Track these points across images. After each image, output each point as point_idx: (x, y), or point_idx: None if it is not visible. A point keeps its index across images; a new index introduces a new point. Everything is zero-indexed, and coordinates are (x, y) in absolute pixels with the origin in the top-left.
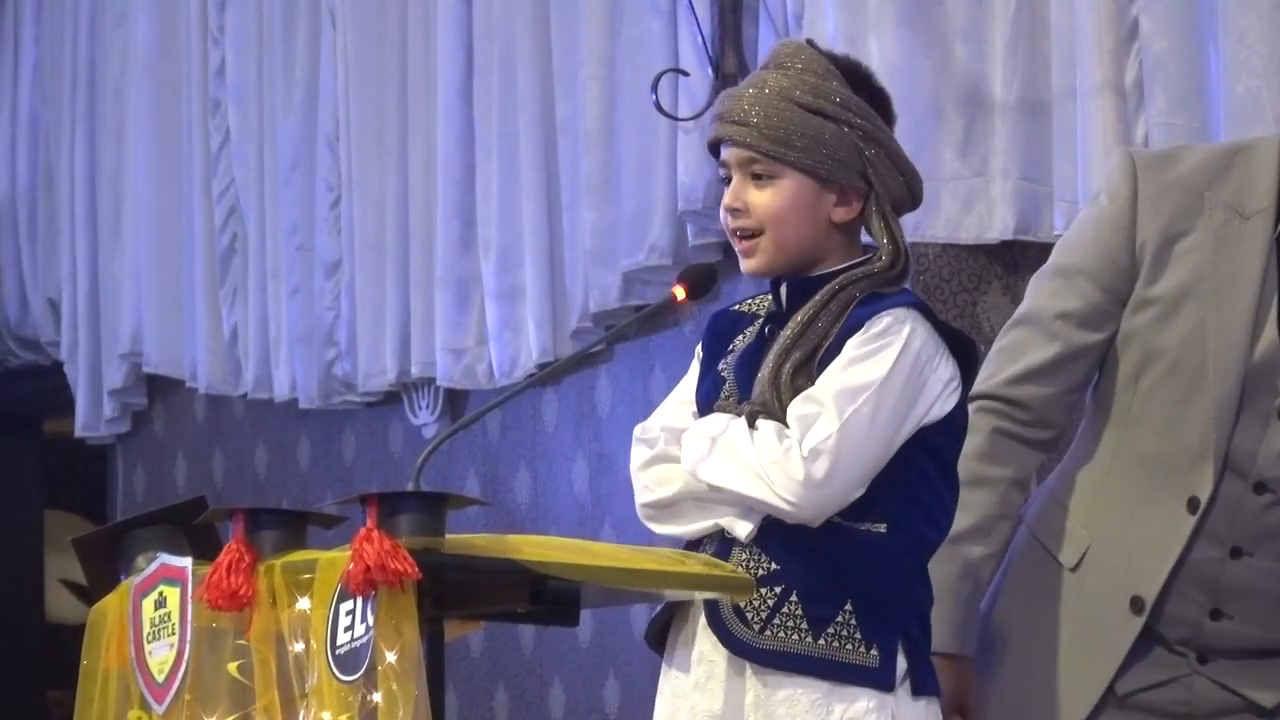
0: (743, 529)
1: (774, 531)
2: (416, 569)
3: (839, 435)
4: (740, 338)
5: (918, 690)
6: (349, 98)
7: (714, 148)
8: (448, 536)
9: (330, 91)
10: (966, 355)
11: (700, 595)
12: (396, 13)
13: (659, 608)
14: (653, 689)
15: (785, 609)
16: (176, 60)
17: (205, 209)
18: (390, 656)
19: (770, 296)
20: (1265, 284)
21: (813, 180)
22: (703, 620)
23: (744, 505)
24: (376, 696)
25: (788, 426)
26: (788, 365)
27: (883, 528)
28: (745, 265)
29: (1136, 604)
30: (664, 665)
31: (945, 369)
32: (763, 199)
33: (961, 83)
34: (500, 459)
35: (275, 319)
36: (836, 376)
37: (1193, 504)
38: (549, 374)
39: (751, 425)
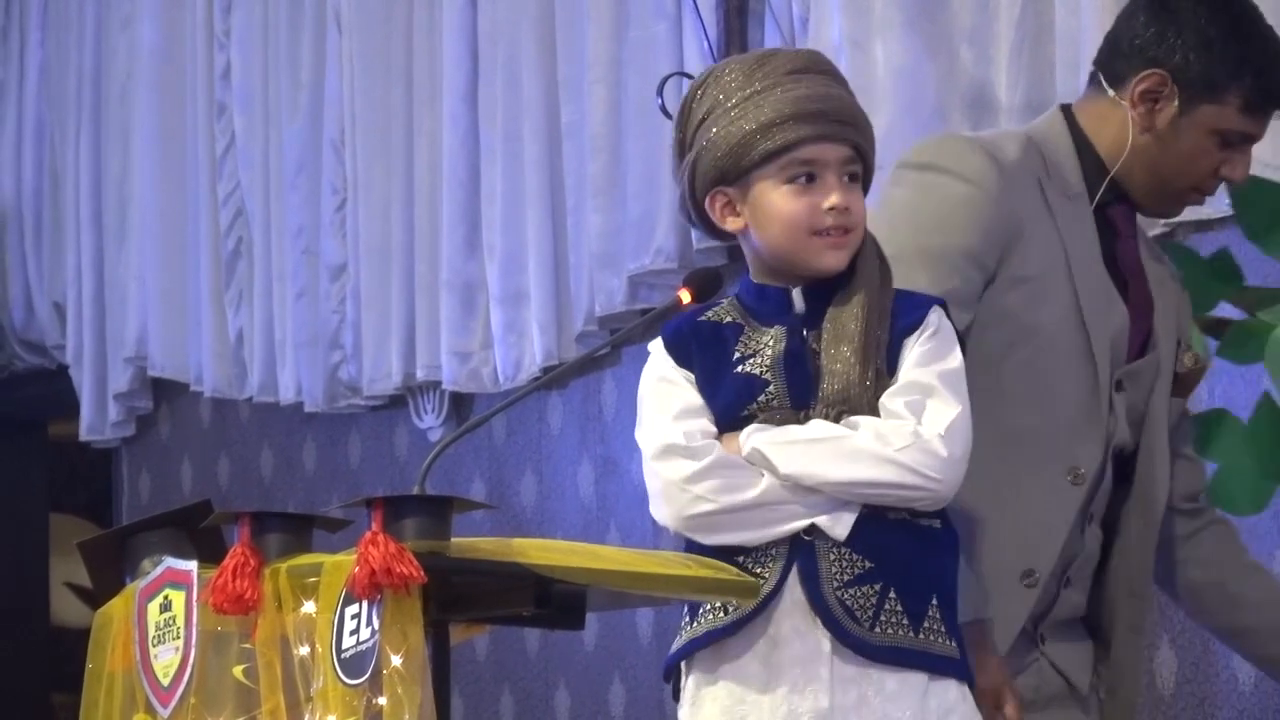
0: (843, 527)
1: (859, 531)
2: (422, 572)
3: (962, 415)
4: (741, 345)
5: (974, 682)
6: (354, 101)
7: (797, 140)
8: (453, 540)
9: (335, 95)
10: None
11: (707, 599)
12: (402, 16)
13: (685, 645)
14: (658, 692)
15: (887, 605)
16: (182, 64)
17: (210, 212)
18: (396, 660)
19: (725, 305)
20: (1102, 261)
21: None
22: (788, 626)
23: (863, 498)
24: (382, 700)
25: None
26: (871, 365)
27: (938, 522)
28: (840, 259)
29: (1028, 577)
30: (700, 687)
31: None
32: (859, 201)
33: (967, 86)
34: (506, 462)
35: (280, 322)
36: (927, 368)
37: (1075, 474)
38: (554, 377)
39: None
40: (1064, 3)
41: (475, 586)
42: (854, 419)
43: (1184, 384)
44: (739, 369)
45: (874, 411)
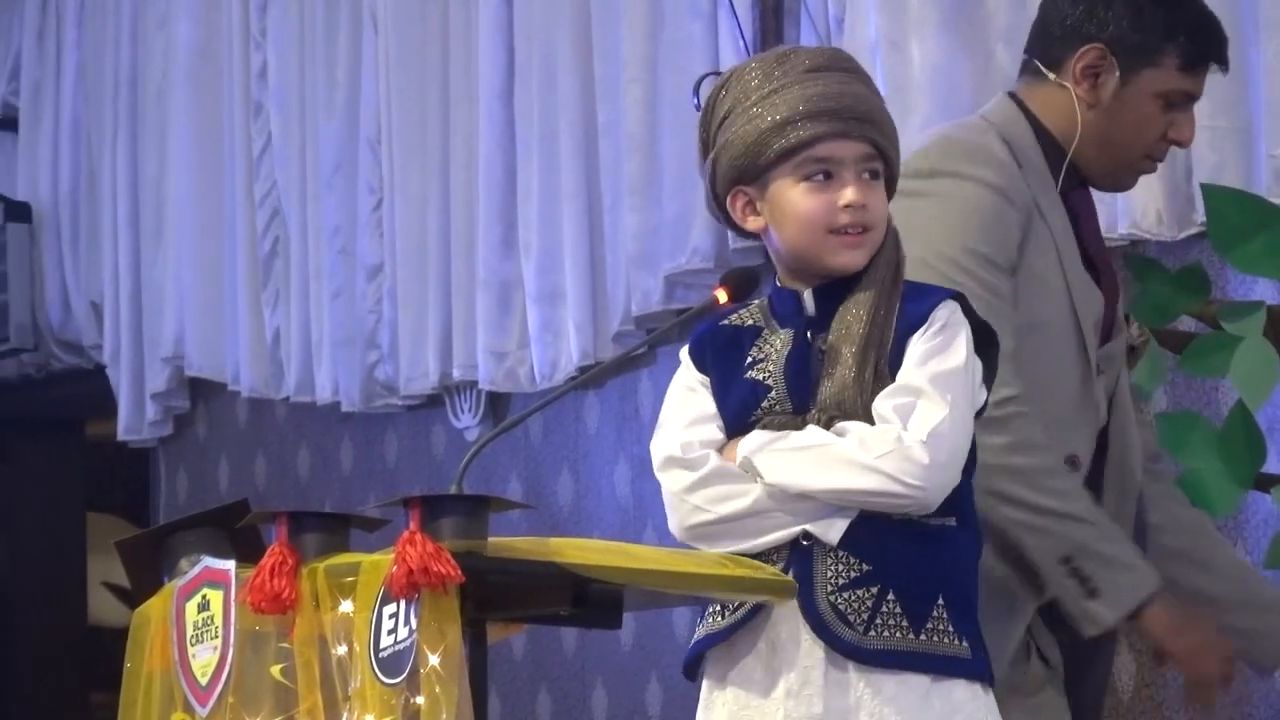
0: (835, 532)
1: (857, 534)
2: (459, 572)
3: (951, 418)
4: (755, 349)
5: (991, 679)
6: (390, 101)
7: (812, 138)
8: (490, 539)
9: (372, 94)
10: (988, 344)
11: (745, 599)
12: (438, 16)
13: (691, 648)
14: (695, 691)
15: (885, 608)
16: (218, 63)
17: (247, 212)
18: (433, 659)
19: (753, 308)
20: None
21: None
22: (785, 631)
23: (848, 506)
24: (419, 699)
25: (870, 424)
26: (869, 366)
27: (953, 521)
28: (856, 258)
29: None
30: (712, 690)
31: (976, 359)
32: (878, 199)
33: (1003, 85)
34: (542, 462)
35: (317, 322)
36: (922, 368)
37: (1072, 461)
38: (591, 377)
39: (827, 430)
40: None
41: (512, 586)
42: (843, 425)
43: (1132, 356)
44: (748, 374)
45: (869, 413)
